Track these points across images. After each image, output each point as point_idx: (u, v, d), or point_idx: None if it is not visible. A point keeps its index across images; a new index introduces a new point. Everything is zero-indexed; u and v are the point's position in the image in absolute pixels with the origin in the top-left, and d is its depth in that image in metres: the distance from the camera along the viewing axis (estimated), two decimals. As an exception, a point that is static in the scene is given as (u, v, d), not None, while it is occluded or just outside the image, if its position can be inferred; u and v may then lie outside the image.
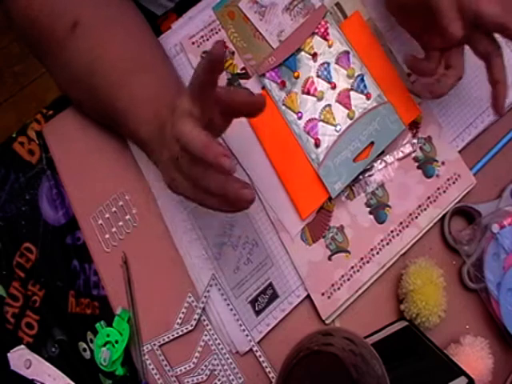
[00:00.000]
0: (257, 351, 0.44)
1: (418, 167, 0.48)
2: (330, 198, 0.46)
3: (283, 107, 0.48)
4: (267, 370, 0.44)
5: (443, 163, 0.48)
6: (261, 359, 0.44)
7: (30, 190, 0.51)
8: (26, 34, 0.44)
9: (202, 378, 0.45)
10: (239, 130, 0.48)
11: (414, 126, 0.49)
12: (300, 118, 0.47)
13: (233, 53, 0.50)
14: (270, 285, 0.46)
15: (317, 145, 0.47)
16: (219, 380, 0.45)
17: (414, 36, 0.46)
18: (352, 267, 0.46)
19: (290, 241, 0.46)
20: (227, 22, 0.50)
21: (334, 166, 0.46)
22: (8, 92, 1.34)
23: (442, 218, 0.48)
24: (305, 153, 0.47)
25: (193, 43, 0.50)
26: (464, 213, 0.49)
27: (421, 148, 0.48)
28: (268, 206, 0.47)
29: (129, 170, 0.49)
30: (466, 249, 0.46)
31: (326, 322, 0.45)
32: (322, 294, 0.45)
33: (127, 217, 0.49)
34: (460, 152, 0.49)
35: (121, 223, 0.49)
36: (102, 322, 0.46)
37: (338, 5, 0.50)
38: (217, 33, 0.50)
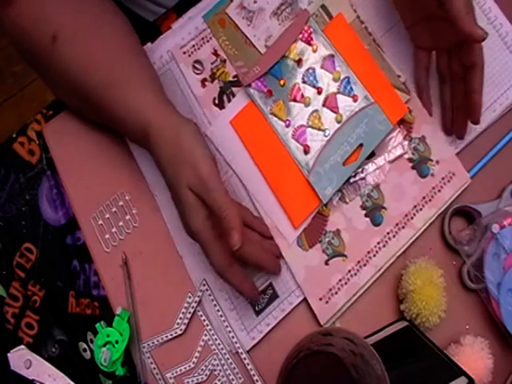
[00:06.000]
0: (245, 358, 0.45)
1: (413, 167, 0.48)
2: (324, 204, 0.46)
3: (271, 116, 0.47)
4: (255, 378, 0.44)
5: (437, 162, 0.48)
6: (248, 367, 0.45)
7: (30, 190, 0.51)
8: (17, 43, 0.44)
9: (202, 378, 0.45)
10: (229, 140, 0.48)
11: (407, 126, 0.48)
12: (288, 125, 0.47)
13: (224, 61, 0.50)
14: (270, 285, 0.46)
15: (306, 152, 0.46)
16: (219, 380, 0.45)
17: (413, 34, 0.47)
18: (349, 271, 0.46)
19: (287, 246, 0.46)
20: (218, 30, 0.50)
21: (324, 171, 0.46)
22: (8, 92, 1.34)
23: (443, 219, 0.48)
24: (294, 161, 0.46)
25: (184, 53, 0.50)
26: (464, 213, 0.49)
27: (415, 148, 0.48)
28: (264, 214, 0.46)
29: (129, 170, 0.49)
30: (466, 249, 0.46)
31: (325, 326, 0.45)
32: (320, 299, 0.45)
33: (127, 217, 0.49)
34: (460, 152, 0.49)
35: (121, 223, 0.49)
36: (102, 322, 0.46)
37: (323, 7, 0.50)
38: (208, 41, 0.50)
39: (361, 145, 0.46)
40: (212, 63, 0.50)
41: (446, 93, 0.48)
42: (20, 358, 0.46)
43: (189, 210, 0.38)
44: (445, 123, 0.48)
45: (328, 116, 0.47)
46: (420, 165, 0.48)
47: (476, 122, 0.45)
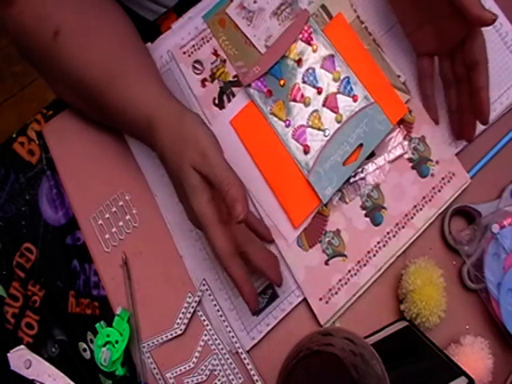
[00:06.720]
0: (245, 358, 0.45)
1: (413, 167, 0.48)
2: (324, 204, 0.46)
3: (271, 116, 0.47)
4: (255, 378, 0.44)
5: (437, 162, 0.48)
6: (248, 367, 0.45)
7: (30, 190, 0.51)
8: (18, 41, 0.45)
9: (202, 378, 0.45)
10: (228, 140, 0.47)
11: (407, 126, 0.48)
12: (288, 125, 0.47)
13: (224, 61, 0.49)
14: (270, 285, 0.46)
15: (306, 152, 0.46)
16: (219, 380, 0.45)
17: (410, 36, 0.47)
18: (349, 271, 0.46)
19: (286, 246, 0.46)
20: (218, 30, 0.50)
21: (323, 171, 0.46)
22: (8, 92, 1.34)
23: (443, 219, 0.48)
24: (294, 161, 0.46)
25: (184, 53, 0.50)
26: (464, 213, 0.49)
27: (415, 148, 0.48)
28: (264, 214, 0.46)
29: (129, 170, 0.50)
30: (466, 249, 0.46)
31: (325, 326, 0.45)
32: (320, 300, 0.45)
33: (127, 217, 0.49)
34: (460, 152, 0.49)
35: (121, 223, 0.49)
36: (102, 322, 0.46)
37: (323, 7, 0.50)
38: (208, 41, 0.50)
39: (361, 145, 0.46)
40: (212, 63, 0.50)
41: (451, 97, 0.47)
42: (20, 358, 0.46)
43: (193, 192, 0.37)
44: (453, 128, 0.48)
45: (328, 116, 0.47)
46: (420, 165, 0.48)
47: (485, 121, 0.44)
